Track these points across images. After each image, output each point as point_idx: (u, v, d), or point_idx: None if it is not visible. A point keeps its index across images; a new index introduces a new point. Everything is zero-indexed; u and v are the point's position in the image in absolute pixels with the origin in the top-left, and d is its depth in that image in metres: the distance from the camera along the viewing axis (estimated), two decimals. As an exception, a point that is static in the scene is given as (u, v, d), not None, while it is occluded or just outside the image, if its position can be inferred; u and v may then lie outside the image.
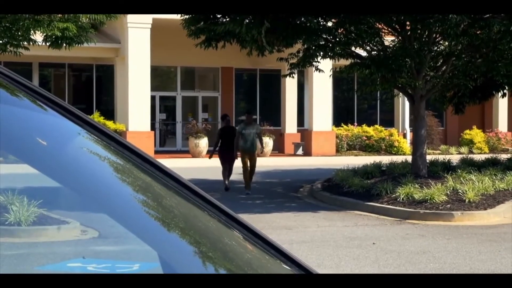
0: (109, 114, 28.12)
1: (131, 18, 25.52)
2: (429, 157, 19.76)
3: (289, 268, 1.60)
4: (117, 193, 1.56)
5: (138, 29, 26.16)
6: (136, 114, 26.30)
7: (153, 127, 28.89)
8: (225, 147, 17.00)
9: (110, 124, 26.89)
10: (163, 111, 31.73)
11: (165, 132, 32.04)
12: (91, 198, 1.54)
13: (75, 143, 1.57)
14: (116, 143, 1.59)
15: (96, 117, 27.18)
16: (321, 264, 8.97)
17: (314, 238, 10.95)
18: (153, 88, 28.10)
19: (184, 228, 1.63)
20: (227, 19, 15.42)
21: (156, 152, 27.80)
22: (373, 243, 10.42)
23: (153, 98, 29.13)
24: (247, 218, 12.73)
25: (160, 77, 31.43)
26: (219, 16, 16.04)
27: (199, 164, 24.76)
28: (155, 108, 30.43)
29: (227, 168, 17.29)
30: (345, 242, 10.61)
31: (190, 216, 1.67)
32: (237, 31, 14.81)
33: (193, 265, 1.49)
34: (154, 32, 26.42)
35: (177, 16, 16.83)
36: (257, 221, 12.57)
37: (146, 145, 26.29)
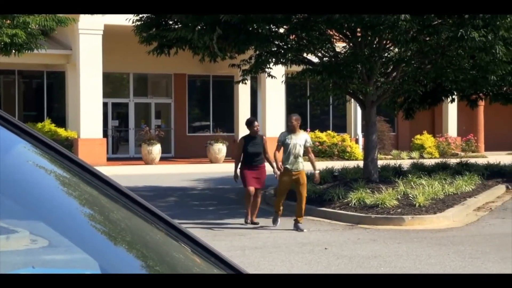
0: (61, 121, 27.81)
1: (82, 24, 25.29)
2: (380, 162, 19.97)
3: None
4: (56, 203, 1.55)
5: (89, 36, 25.95)
6: (88, 121, 26.08)
7: (105, 134, 28.66)
8: (251, 163, 12.86)
9: (61, 131, 26.62)
10: (116, 118, 31.52)
11: (118, 139, 31.81)
12: (27, 208, 1.53)
13: (12, 154, 1.56)
14: (57, 153, 1.59)
15: (47, 124, 26.90)
16: (273, 269, 9.01)
17: (266, 244, 10.99)
18: (105, 95, 27.89)
19: (131, 241, 1.62)
20: (179, 26, 15.41)
21: (109, 159, 27.59)
22: (325, 248, 10.50)
23: (105, 104, 28.91)
24: (201, 224, 12.74)
25: (112, 83, 31.22)
26: (171, 22, 16.02)
27: (152, 171, 24.65)
28: (107, 115, 30.20)
29: (255, 194, 12.98)
30: (298, 247, 10.67)
31: (137, 230, 1.67)
32: (189, 38, 14.80)
33: None
34: (106, 38, 26.24)
35: (129, 23, 16.73)
36: (209, 227, 12.58)
37: (99, 152, 26.09)
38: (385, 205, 13.33)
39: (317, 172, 12.59)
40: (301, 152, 12.30)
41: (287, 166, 12.32)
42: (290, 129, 12.55)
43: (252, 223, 12.76)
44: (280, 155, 12.56)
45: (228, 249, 10.51)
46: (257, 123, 13.33)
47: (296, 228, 12.22)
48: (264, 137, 13.33)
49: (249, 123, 13.33)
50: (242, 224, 12.88)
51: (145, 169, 25.65)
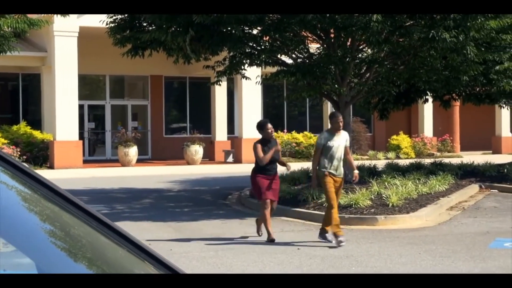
0: (36, 123, 27.70)
1: (57, 26, 25.21)
2: (356, 163, 19.99)
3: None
4: (16, 219, 1.55)
5: (64, 38, 25.86)
6: (64, 124, 25.97)
7: (81, 136, 28.57)
8: (266, 171, 11.22)
9: (37, 133, 26.50)
10: (92, 120, 31.42)
11: (95, 141, 31.73)
12: None
13: None
14: (19, 170, 1.60)
15: (23, 127, 26.76)
16: (245, 270, 9.04)
17: (240, 244, 11.01)
18: (81, 97, 27.81)
19: (91, 258, 1.63)
20: (153, 27, 15.41)
21: (85, 161, 27.51)
22: (298, 249, 10.54)
23: (81, 107, 28.82)
24: (176, 226, 12.75)
25: (88, 85, 31.13)
26: (144, 24, 16.02)
27: (128, 173, 24.59)
28: (83, 117, 30.11)
29: (273, 207, 11.34)
30: (271, 248, 10.69)
31: (98, 246, 1.68)
32: (163, 39, 14.81)
33: None
34: (82, 40, 26.17)
35: (103, 25, 16.71)
36: (185, 229, 12.60)
37: (75, 155, 26.00)
38: (359, 205, 13.40)
39: (356, 172, 11.43)
40: (343, 155, 10.91)
41: (331, 171, 10.72)
42: (334, 130, 10.93)
43: (258, 234, 11.38)
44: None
45: (201, 250, 10.53)
46: (270, 125, 11.47)
47: (324, 238, 10.81)
48: (277, 140, 11.81)
49: (261, 126, 11.56)
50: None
51: (122, 171, 25.58)
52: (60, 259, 1.52)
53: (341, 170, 10.92)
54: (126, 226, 12.69)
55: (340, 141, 10.85)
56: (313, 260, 9.71)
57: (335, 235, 10.63)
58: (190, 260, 9.73)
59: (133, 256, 1.62)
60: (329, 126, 11.27)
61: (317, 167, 10.90)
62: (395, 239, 11.43)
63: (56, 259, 1.50)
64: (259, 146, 11.25)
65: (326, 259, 9.75)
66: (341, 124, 10.92)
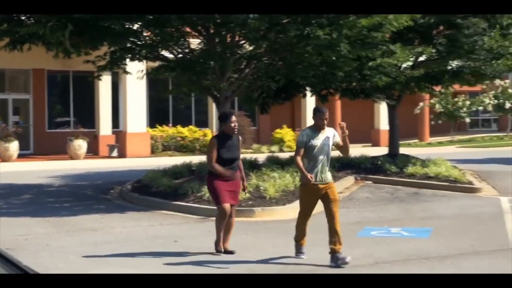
0: None
1: None
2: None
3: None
4: None
5: None
6: None
7: (-41, 131, 27.75)
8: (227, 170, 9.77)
9: None
10: (-29, 114, 30.56)
11: (-26, 136, 30.84)
12: None
13: None
14: None
15: None
16: (122, 263, 9.17)
17: (118, 238, 11.13)
18: (-41, 91, 27.01)
19: None
20: (31, 21, 15.22)
21: (-36, 157, 26.76)
22: (175, 241, 10.75)
23: (-41, 101, 27.98)
24: (54, 221, 12.70)
25: (-33, 79, 30.25)
26: (23, 17, 15.79)
27: (8, 169, 24.10)
28: (-39, 111, 29.24)
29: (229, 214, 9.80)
30: (149, 241, 10.87)
31: None
32: (41, 33, 14.67)
33: None
34: (-41, 32, 25.38)
35: (-20, 17, 16.36)
36: (63, 224, 12.58)
37: (-48, 150, 25.25)
38: (237, 198, 13.71)
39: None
40: (329, 155, 9.26)
41: (314, 175, 9.12)
42: (318, 128, 9.26)
43: (226, 252, 9.75)
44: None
45: (80, 244, 10.59)
46: (235, 118, 9.87)
47: (336, 260, 9.05)
48: (240, 137, 10.14)
49: (224, 117, 9.91)
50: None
51: (1, 166, 25.04)
52: None
53: (326, 175, 9.19)
54: (3, 222, 12.56)
55: (325, 139, 9.17)
56: (189, 254, 9.92)
57: (297, 249, 9.59)
58: (67, 254, 9.79)
59: None
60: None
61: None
62: (270, 230, 11.82)
63: None
64: (213, 144, 9.77)
65: (201, 251, 9.99)
66: (326, 121, 9.23)
